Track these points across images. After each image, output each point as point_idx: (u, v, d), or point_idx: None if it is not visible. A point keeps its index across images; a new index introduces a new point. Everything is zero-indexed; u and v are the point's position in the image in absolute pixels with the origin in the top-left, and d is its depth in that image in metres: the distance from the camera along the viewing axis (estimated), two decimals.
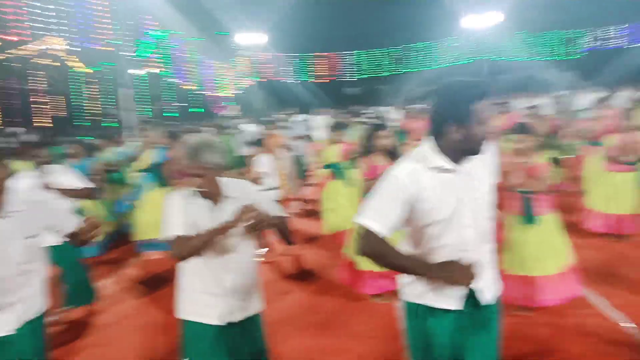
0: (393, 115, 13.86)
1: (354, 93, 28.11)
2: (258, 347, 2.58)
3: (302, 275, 5.36)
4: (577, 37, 24.57)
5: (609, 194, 5.42)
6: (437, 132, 1.86)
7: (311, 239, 6.64)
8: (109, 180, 7.45)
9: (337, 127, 6.43)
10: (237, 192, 2.49)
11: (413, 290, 1.97)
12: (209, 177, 2.39)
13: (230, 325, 2.46)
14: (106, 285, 5.46)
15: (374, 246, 1.85)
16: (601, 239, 5.60)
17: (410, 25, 23.32)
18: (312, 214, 7.70)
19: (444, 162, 1.85)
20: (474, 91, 1.80)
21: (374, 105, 21.69)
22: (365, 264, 4.16)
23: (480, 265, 1.86)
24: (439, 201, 1.82)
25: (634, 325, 3.68)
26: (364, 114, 15.81)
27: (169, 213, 2.43)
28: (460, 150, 1.85)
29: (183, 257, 2.38)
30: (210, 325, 2.43)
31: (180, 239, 2.37)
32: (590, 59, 25.76)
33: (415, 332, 1.98)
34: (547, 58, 24.75)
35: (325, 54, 25.43)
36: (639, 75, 19.51)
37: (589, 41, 24.54)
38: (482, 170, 1.92)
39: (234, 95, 24.57)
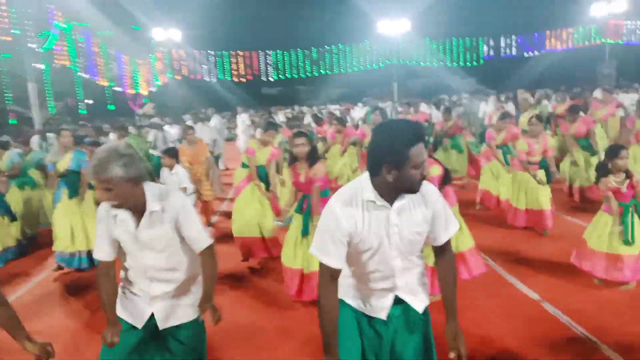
0: (307, 119, 14.11)
1: (273, 93, 28.29)
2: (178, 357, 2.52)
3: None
4: (477, 46, 26.70)
5: (520, 191, 6.06)
6: (373, 169, 1.93)
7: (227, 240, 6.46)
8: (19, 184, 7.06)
9: (269, 127, 6.18)
10: (163, 203, 2.32)
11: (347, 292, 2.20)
12: (121, 190, 2.19)
13: (153, 331, 2.43)
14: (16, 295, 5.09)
15: (321, 287, 2.05)
16: (525, 231, 6.06)
17: (329, 28, 24.02)
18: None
19: (376, 198, 1.94)
20: (410, 135, 1.83)
21: (292, 105, 22.08)
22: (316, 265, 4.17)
23: (405, 288, 2.14)
24: (368, 233, 1.97)
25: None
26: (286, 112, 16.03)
27: (97, 229, 2.37)
28: (393, 189, 1.93)
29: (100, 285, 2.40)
30: (134, 326, 2.42)
31: (100, 267, 2.39)
32: (489, 66, 28.20)
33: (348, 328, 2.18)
34: (452, 64, 26.72)
35: (244, 52, 25.29)
36: (532, 82, 21.81)
37: (487, 50, 26.78)
38: (415, 208, 2.01)
39: (149, 93, 23.63)
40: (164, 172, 5.96)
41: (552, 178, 5.96)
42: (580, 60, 26.39)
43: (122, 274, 2.47)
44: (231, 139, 18.01)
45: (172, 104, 22.26)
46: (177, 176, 5.80)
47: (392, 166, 1.85)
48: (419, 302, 2.18)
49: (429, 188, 2.04)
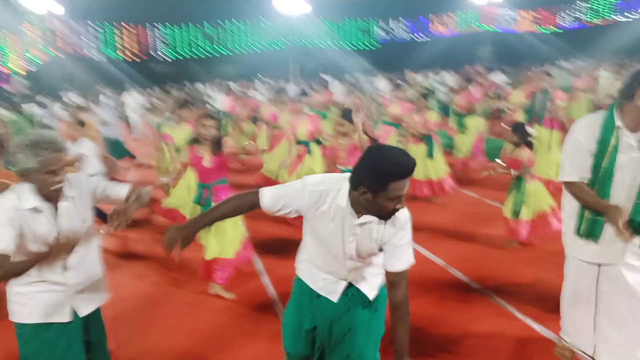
0: (215, 95, 13.80)
1: (165, 70, 26.94)
2: (99, 338, 2.54)
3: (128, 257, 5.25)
4: (371, 29, 27.66)
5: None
6: (352, 183, 1.97)
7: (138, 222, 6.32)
8: None
9: (184, 105, 6.01)
10: (78, 188, 2.30)
11: None
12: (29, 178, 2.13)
13: (76, 320, 2.37)
14: None
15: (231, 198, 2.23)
16: (421, 201, 6.55)
17: (222, 3, 23.20)
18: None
19: (347, 207, 2.04)
20: (398, 170, 1.84)
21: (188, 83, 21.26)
22: (212, 252, 4.08)
23: (356, 279, 2.27)
24: (327, 233, 2.12)
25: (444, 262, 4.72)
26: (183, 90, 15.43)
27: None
28: (364, 208, 1.99)
29: (2, 279, 2.14)
30: (58, 323, 2.31)
31: (1, 258, 2.08)
32: (384, 50, 29.38)
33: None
34: (347, 46, 27.45)
35: (133, 27, 23.71)
36: (422, 66, 23.16)
37: (381, 32, 27.87)
38: (378, 225, 2.07)
39: (28, 72, 21.26)
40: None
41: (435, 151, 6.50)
42: (462, 45, 28.51)
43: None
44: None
45: (54, 82, 20.29)
46: (82, 148, 5.19)
47: (369, 190, 1.88)
48: (370, 290, 2.29)
49: (402, 216, 2.06)
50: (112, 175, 5.65)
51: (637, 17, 22.76)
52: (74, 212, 2.28)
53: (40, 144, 2.09)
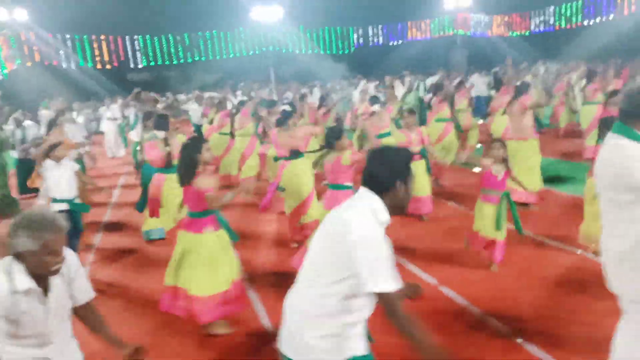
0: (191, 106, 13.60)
1: (141, 80, 26.51)
2: None
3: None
4: (347, 34, 27.81)
5: None
6: (384, 186, 2.00)
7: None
8: None
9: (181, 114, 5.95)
10: (66, 264, 2.16)
11: None
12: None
13: None
14: None
15: (402, 315, 1.91)
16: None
17: (202, 14, 23.03)
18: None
19: (389, 219, 2.01)
20: (410, 154, 2.19)
21: (164, 91, 20.95)
22: (197, 289, 3.79)
23: None
24: None
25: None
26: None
27: None
28: (395, 207, 2.02)
29: None
30: None
31: None
32: (359, 54, 29.57)
33: None
34: (323, 52, 27.52)
35: (105, 37, 23.21)
36: (397, 69, 23.40)
37: (357, 38, 28.04)
38: None
39: None
40: (48, 164, 4.95)
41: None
42: (436, 49, 28.95)
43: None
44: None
45: (25, 94, 19.67)
46: (65, 170, 4.97)
47: (403, 183, 2.01)
48: None
49: None
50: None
51: (604, 20, 23.46)
52: (62, 289, 2.18)
53: (43, 225, 1.98)
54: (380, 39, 28.20)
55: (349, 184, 4.58)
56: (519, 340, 3.59)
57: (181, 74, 26.44)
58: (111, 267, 5.72)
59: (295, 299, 2.12)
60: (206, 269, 3.78)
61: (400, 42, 28.66)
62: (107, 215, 7.88)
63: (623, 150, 2.20)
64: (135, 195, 7.20)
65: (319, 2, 23.75)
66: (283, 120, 5.82)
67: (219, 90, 19.07)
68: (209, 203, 3.75)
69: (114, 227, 7.24)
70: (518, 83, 7.62)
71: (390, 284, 1.87)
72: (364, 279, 1.85)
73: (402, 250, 5.32)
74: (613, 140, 2.29)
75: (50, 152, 5.00)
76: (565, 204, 6.51)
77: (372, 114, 7.93)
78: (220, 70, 25.95)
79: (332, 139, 4.58)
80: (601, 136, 4.24)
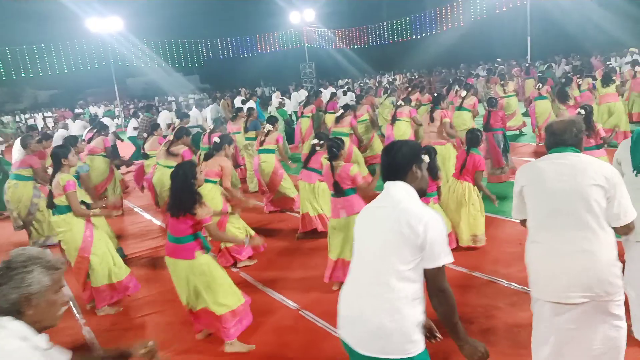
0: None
1: None
2: None
3: None
4: (196, 48, 27.31)
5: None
6: (402, 173, 2.20)
7: None
8: None
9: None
10: None
11: None
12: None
13: None
14: None
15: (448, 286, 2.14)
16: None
17: (28, 27, 20.68)
18: None
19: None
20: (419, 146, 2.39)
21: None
22: (222, 307, 3.78)
23: None
24: None
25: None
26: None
27: None
28: (421, 190, 2.24)
29: None
30: None
31: None
32: (209, 66, 29.24)
33: None
34: (172, 65, 26.67)
35: None
36: (249, 81, 23.71)
37: (206, 51, 27.69)
38: None
39: None
40: None
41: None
42: (287, 61, 29.96)
43: None
44: None
45: None
46: None
47: (418, 167, 2.21)
48: None
49: None
50: None
51: (429, 34, 26.50)
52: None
53: (50, 259, 1.72)
54: (230, 52, 28.25)
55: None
56: None
57: (6, 92, 23.48)
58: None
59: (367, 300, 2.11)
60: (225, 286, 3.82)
61: (251, 54, 29.03)
62: None
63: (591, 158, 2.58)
64: None
65: (162, 16, 23.00)
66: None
67: (55, 109, 17.31)
68: (210, 233, 3.81)
69: None
70: None
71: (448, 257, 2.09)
72: (437, 255, 2.04)
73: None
74: (568, 157, 2.57)
75: None
76: None
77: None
78: (55, 86, 23.60)
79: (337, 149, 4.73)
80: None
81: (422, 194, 2.23)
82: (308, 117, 10.98)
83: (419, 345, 2.06)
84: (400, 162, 2.19)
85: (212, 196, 5.21)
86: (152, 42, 24.99)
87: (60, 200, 4.50)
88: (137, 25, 21.85)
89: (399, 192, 2.15)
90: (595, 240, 2.44)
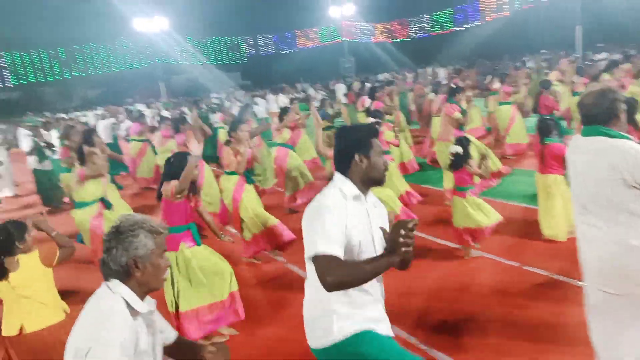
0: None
1: (12, 98, 24.18)
2: None
3: None
4: (238, 44, 27.73)
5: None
6: (344, 163, 2.05)
7: None
8: None
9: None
10: None
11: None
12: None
13: None
14: None
15: (333, 270, 1.85)
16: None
17: (76, 27, 21.49)
18: None
19: (359, 191, 2.03)
20: (369, 129, 2.14)
21: (40, 110, 19.20)
22: (185, 304, 3.60)
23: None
24: (356, 228, 1.96)
25: None
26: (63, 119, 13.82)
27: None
28: (365, 181, 2.06)
29: None
30: None
31: None
32: (251, 63, 29.59)
33: None
34: (214, 62, 27.15)
35: None
36: (289, 77, 23.72)
37: (247, 48, 28.07)
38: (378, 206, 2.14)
39: None
40: None
41: None
42: (326, 56, 29.92)
43: None
44: None
45: None
46: None
47: (363, 155, 2.03)
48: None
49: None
50: None
51: (473, 26, 25.88)
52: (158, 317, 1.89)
53: (153, 224, 1.75)
54: (271, 47, 28.52)
55: None
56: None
57: (58, 91, 24.54)
58: None
59: None
60: (188, 283, 3.60)
61: (290, 50, 29.23)
62: None
63: (629, 145, 2.17)
64: None
65: (205, 13, 23.42)
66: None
67: (106, 107, 17.82)
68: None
69: None
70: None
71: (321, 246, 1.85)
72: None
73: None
74: (601, 142, 2.25)
75: None
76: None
77: None
78: (102, 85, 24.51)
79: None
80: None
81: (378, 183, 2.11)
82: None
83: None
84: (340, 152, 2.09)
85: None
86: (195, 40, 25.52)
87: None
88: (180, 23, 22.37)
89: (333, 182, 2.07)
90: None
